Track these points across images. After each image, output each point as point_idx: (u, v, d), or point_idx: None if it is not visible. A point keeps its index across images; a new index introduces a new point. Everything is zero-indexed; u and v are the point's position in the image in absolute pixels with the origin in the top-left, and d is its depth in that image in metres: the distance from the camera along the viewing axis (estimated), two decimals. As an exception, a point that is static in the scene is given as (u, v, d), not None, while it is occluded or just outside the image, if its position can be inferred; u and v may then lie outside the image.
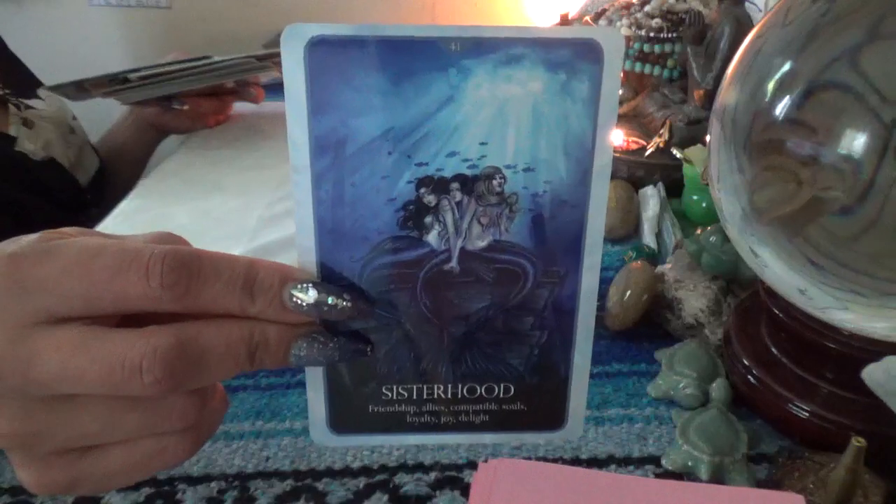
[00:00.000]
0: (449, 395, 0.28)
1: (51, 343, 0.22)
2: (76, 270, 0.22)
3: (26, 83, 0.95)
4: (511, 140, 0.24)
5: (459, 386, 0.28)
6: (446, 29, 0.23)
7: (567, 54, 0.23)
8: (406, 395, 0.28)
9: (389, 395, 0.28)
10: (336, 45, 0.23)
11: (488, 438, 0.29)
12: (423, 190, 0.25)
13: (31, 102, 0.91)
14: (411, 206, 0.25)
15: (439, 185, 0.25)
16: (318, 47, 0.23)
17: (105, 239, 0.24)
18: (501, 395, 0.28)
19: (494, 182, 0.25)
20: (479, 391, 0.28)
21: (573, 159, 0.25)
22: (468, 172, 0.24)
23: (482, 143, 0.24)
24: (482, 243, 0.26)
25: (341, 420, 0.28)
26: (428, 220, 0.25)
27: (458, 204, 0.25)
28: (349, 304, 0.25)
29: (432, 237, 0.25)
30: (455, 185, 0.25)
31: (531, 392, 0.28)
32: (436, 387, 0.28)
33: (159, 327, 0.23)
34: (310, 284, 0.24)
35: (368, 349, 0.27)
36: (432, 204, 0.25)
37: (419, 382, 0.28)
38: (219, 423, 0.27)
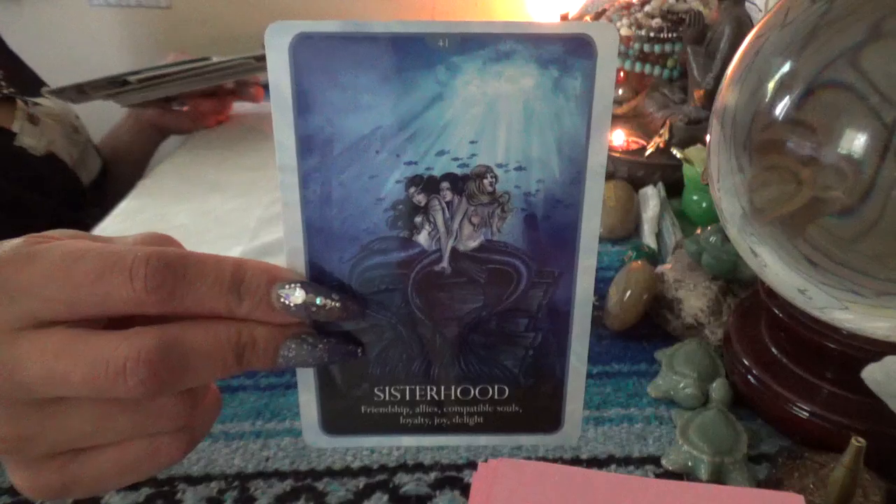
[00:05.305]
0: (442, 397, 0.28)
1: (35, 347, 0.22)
2: (59, 274, 0.22)
3: (30, 83, 0.95)
4: (502, 138, 0.24)
5: (453, 388, 0.28)
6: (434, 25, 0.22)
7: (559, 50, 0.23)
8: (399, 396, 0.28)
9: (382, 396, 0.28)
10: (321, 42, 0.22)
11: (483, 441, 0.29)
12: (412, 189, 0.24)
13: (37, 100, 0.91)
14: (401, 206, 0.24)
15: (429, 185, 0.24)
16: (304, 45, 0.22)
17: (90, 242, 0.24)
18: (496, 396, 0.28)
19: (485, 181, 0.24)
20: (472, 393, 0.28)
21: (566, 158, 0.24)
22: (458, 171, 0.24)
23: (472, 142, 0.24)
24: (474, 243, 0.25)
25: (334, 421, 0.28)
26: (418, 220, 0.25)
27: (449, 203, 0.24)
28: (338, 305, 0.24)
29: (422, 237, 0.25)
30: (445, 185, 0.24)
31: (526, 394, 0.28)
32: (429, 388, 0.28)
33: (144, 329, 0.23)
34: (298, 285, 0.24)
35: (359, 351, 0.26)
36: (422, 203, 0.24)
37: (412, 384, 0.27)
38: (212, 422, 0.27)
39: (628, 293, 0.54)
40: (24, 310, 0.22)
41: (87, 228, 0.75)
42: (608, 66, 0.23)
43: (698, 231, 0.57)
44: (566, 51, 0.23)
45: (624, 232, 0.70)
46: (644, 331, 0.55)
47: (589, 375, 0.39)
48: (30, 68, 1.00)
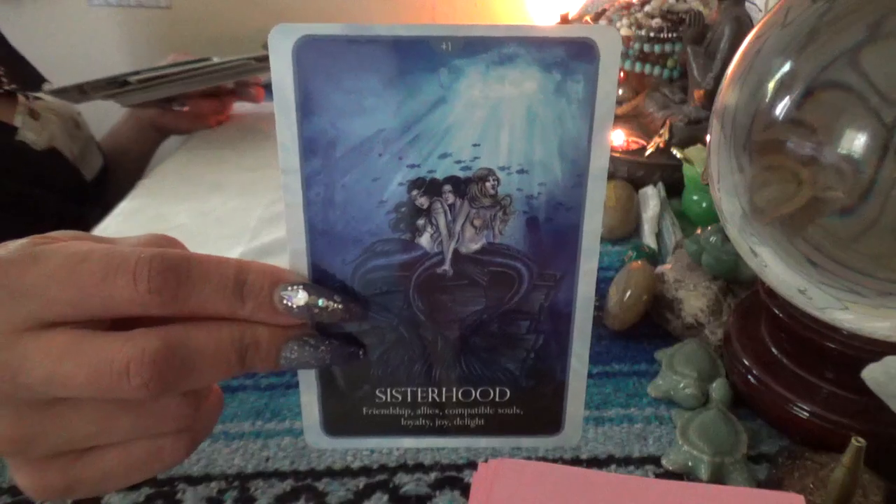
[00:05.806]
0: (444, 399, 0.28)
1: (39, 348, 0.22)
2: (63, 276, 0.22)
3: (31, 79, 0.95)
4: (505, 141, 0.24)
5: (454, 390, 0.28)
6: (436, 28, 0.22)
7: (562, 54, 0.23)
8: (400, 398, 0.28)
9: (383, 398, 0.28)
10: (325, 45, 0.22)
11: (484, 442, 0.29)
12: (415, 192, 0.24)
13: (38, 94, 0.91)
14: (403, 209, 0.24)
15: (431, 187, 0.24)
16: (307, 47, 0.22)
17: (94, 243, 0.24)
18: (497, 399, 0.28)
19: (488, 184, 0.24)
20: (474, 395, 0.28)
21: (569, 161, 0.24)
22: (461, 174, 0.24)
23: (475, 145, 0.24)
24: (475, 246, 0.25)
25: (335, 422, 0.28)
26: (420, 222, 0.25)
27: (451, 206, 0.25)
28: (340, 307, 0.25)
29: (425, 240, 0.25)
30: (447, 187, 0.24)
31: (527, 396, 0.28)
32: (430, 390, 0.28)
33: (147, 330, 0.23)
34: (300, 286, 0.24)
35: (361, 352, 0.26)
36: (424, 206, 0.24)
37: (413, 386, 0.28)
38: (214, 423, 0.27)
39: (628, 293, 0.54)
40: (27, 311, 0.22)
41: (88, 227, 0.75)
42: (610, 70, 0.23)
43: (698, 231, 0.57)
44: (569, 54, 0.23)
45: (624, 232, 0.70)
46: (644, 331, 0.55)
47: (589, 375, 0.39)
48: (31, 64, 1.00)
